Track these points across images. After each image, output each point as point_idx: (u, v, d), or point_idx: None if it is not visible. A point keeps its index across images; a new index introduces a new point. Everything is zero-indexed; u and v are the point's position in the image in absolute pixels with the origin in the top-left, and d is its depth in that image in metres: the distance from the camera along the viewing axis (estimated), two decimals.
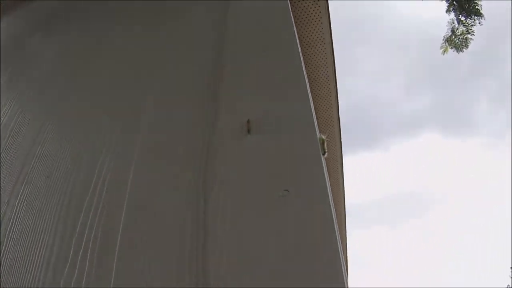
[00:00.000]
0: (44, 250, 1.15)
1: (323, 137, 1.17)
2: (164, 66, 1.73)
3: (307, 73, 3.60)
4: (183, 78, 1.61)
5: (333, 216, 0.94)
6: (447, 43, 5.29)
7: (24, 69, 2.44)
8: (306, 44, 3.60)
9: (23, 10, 3.22)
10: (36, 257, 1.14)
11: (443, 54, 5.39)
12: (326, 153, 1.17)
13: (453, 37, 5.29)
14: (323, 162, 1.09)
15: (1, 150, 1.78)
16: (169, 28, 1.99)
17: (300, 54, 1.51)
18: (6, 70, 2.53)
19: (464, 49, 5.17)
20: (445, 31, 5.38)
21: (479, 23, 5.29)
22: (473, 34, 5.27)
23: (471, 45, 5.31)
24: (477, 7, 5.23)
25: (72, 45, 2.35)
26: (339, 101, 4.20)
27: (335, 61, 3.78)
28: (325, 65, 3.70)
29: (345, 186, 5.56)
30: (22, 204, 1.36)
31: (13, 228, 1.26)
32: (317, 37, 3.55)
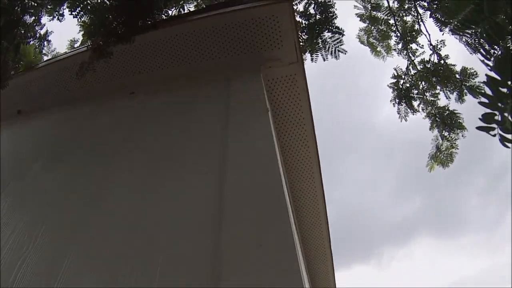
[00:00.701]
0: None
1: None
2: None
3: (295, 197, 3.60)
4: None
5: None
6: (432, 160, 5.40)
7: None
8: (294, 170, 3.68)
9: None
10: None
11: (430, 171, 5.48)
12: None
13: (438, 153, 5.41)
14: None
15: None
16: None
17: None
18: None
19: (450, 164, 5.27)
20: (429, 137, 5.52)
21: (462, 135, 5.47)
22: (457, 148, 5.40)
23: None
24: (459, 120, 5.44)
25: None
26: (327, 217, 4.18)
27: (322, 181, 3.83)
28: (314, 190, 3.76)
29: None
30: None
31: None
32: (305, 162, 3.65)
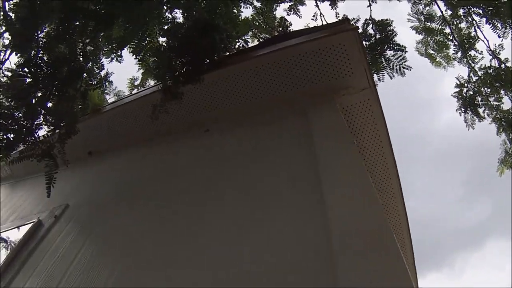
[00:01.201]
0: None
1: None
2: None
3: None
4: None
5: None
6: (502, 165, 5.21)
7: None
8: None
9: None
10: None
11: (500, 176, 5.28)
12: None
13: (507, 157, 5.22)
14: None
15: None
16: None
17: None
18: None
19: None
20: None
21: None
22: None
23: None
24: None
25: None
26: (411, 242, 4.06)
27: None
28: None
29: None
30: None
31: None
32: (388, 194, 3.58)
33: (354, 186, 2.17)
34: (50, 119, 3.51)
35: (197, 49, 3.02)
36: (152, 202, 2.94)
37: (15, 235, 4.14)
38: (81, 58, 3.38)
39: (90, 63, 3.45)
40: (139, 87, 4.68)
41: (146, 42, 3.17)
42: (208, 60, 3.11)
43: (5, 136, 3.56)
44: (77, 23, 3.32)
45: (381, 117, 3.20)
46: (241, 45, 3.84)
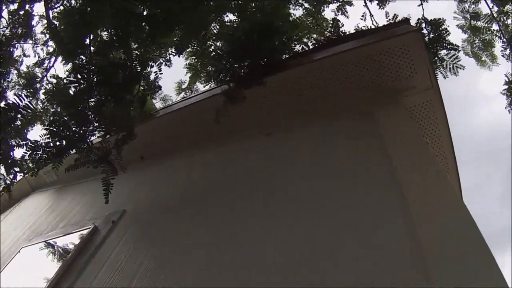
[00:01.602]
0: None
1: None
2: None
3: None
4: None
5: None
6: None
7: None
8: None
9: None
10: None
11: None
12: None
13: None
14: None
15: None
16: None
17: None
18: None
19: None
20: None
21: None
22: None
23: None
24: None
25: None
26: None
27: None
28: None
29: None
30: None
31: None
32: None
33: (435, 190, 2.10)
34: (105, 125, 3.51)
35: (257, 52, 2.99)
36: (215, 204, 2.91)
37: (63, 241, 4.14)
38: (137, 65, 3.38)
39: (147, 68, 3.44)
40: (187, 91, 4.68)
41: (205, 46, 3.16)
42: (268, 63, 3.08)
43: (57, 143, 3.58)
44: (132, 28, 3.32)
45: (444, 118, 3.13)
46: (300, 48, 3.81)
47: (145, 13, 3.36)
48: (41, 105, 5.32)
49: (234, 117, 3.40)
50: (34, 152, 3.56)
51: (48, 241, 4.32)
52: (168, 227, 2.98)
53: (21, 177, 6.25)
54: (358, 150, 2.61)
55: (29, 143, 3.54)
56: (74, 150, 3.75)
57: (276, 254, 2.13)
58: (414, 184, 2.15)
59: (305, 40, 4.13)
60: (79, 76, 3.66)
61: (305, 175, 2.67)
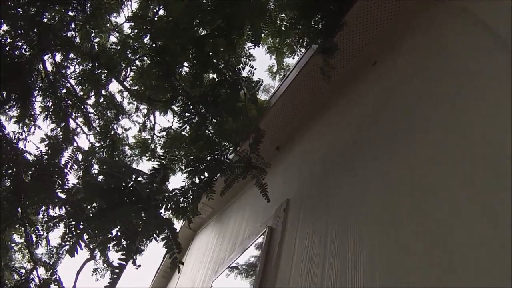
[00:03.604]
0: None
1: None
2: None
3: None
4: None
5: None
6: None
7: None
8: None
9: None
10: None
11: None
12: None
13: None
14: None
15: None
16: None
17: None
18: None
19: None
20: None
21: None
22: None
23: None
24: None
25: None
26: None
27: None
28: None
29: None
30: None
31: None
32: None
33: None
34: (233, 140, 3.75)
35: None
36: (362, 158, 2.82)
37: (245, 258, 4.36)
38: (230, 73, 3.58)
39: (241, 73, 3.62)
40: (279, 72, 4.80)
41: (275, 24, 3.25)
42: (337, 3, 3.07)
43: (201, 177, 3.89)
44: (208, 49, 3.54)
45: None
46: None
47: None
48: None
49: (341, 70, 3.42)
50: (186, 196, 3.91)
51: (231, 266, 4.61)
52: (334, 206, 2.96)
53: (180, 226, 6.86)
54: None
55: (177, 191, 3.90)
56: (218, 175, 4.06)
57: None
58: None
59: None
60: (187, 114, 3.96)
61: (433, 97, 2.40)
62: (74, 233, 3.51)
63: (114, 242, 3.13)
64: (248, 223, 4.46)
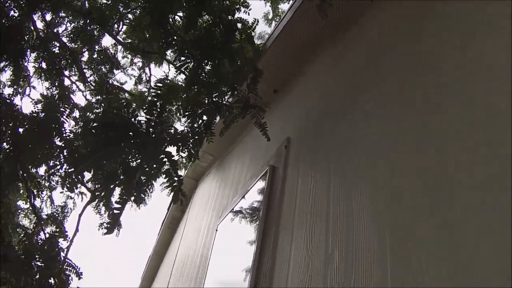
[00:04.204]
0: None
1: None
2: None
3: None
4: None
5: None
6: None
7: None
8: None
9: None
10: None
11: None
12: None
13: None
14: None
15: None
16: None
17: None
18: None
19: None
20: None
21: None
22: None
23: None
24: None
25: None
26: None
27: None
28: None
29: None
30: None
31: None
32: None
33: None
34: (229, 83, 3.74)
35: None
36: (365, 100, 2.74)
37: (248, 201, 4.41)
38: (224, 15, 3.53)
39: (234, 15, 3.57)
40: (275, 18, 4.75)
41: None
42: None
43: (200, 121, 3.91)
44: None
45: None
46: None
47: None
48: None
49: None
50: (186, 140, 3.95)
51: (235, 210, 4.69)
52: (329, 137, 3.02)
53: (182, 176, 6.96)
54: None
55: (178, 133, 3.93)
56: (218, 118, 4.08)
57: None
58: None
59: None
60: (182, 59, 3.93)
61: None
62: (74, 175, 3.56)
63: (114, 181, 3.18)
64: (249, 167, 4.51)
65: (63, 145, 3.97)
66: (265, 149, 4.04)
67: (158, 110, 2.63)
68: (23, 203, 7.56)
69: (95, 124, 2.68)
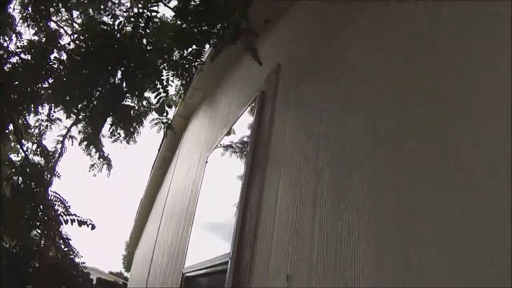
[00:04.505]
0: None
1: None
2: None
3: None
4: None
5: None
6: None
7: None
8: None
9: None
10: None
11: None
12: None
13: None
14: None
15: None
16: None
17: None
18: None
19: None
20: None
21: None
22: None
23: None
24: None
25: None
26: None
27: None
28: None
29: None
30: None
31: None
32: None
33: None
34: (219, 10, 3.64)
35: None
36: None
37: (239, 136, 4.38)
38: None
39: None
40: None
41: None
42: None
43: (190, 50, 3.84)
44: None
45: None
46: None
47: None
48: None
49: None
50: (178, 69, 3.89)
51: (225, 145, 4.67)
52: (324, 61, 2.89)
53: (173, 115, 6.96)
54: None
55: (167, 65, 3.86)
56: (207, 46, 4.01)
57: None
58: None
59: None
60: None
61: None
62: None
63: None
64: (239, 97, 4.50)
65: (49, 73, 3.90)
66: (255, 80, 4.01)
67: (145, 22, 2.57)
68: (14, 156, 7.57)
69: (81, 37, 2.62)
